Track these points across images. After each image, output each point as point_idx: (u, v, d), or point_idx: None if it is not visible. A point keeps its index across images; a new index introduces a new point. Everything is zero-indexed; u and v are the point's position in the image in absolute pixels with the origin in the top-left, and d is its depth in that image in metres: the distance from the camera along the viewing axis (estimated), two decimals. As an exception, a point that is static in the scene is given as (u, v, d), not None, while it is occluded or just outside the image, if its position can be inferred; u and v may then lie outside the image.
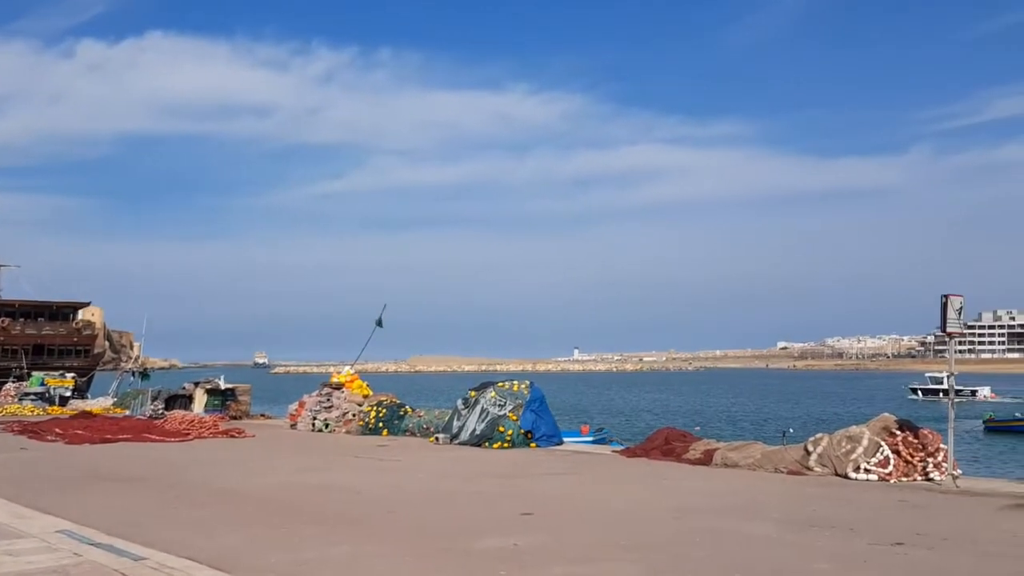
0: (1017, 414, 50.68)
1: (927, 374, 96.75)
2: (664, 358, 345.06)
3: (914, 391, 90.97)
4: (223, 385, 30.95)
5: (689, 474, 14.45)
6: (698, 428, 38.90)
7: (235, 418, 28.54)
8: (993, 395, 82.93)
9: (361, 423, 22.42)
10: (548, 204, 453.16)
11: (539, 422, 18.91)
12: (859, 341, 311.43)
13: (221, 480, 14.13)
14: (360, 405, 23.12)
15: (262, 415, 31.53)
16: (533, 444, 18.46)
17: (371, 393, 23.99)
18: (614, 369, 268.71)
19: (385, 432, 21.64)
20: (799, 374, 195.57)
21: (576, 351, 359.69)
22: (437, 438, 19.68)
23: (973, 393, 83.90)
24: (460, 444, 18.99)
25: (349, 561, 8.26)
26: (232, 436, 22.36)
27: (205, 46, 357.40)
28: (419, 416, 21.89)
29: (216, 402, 29.92)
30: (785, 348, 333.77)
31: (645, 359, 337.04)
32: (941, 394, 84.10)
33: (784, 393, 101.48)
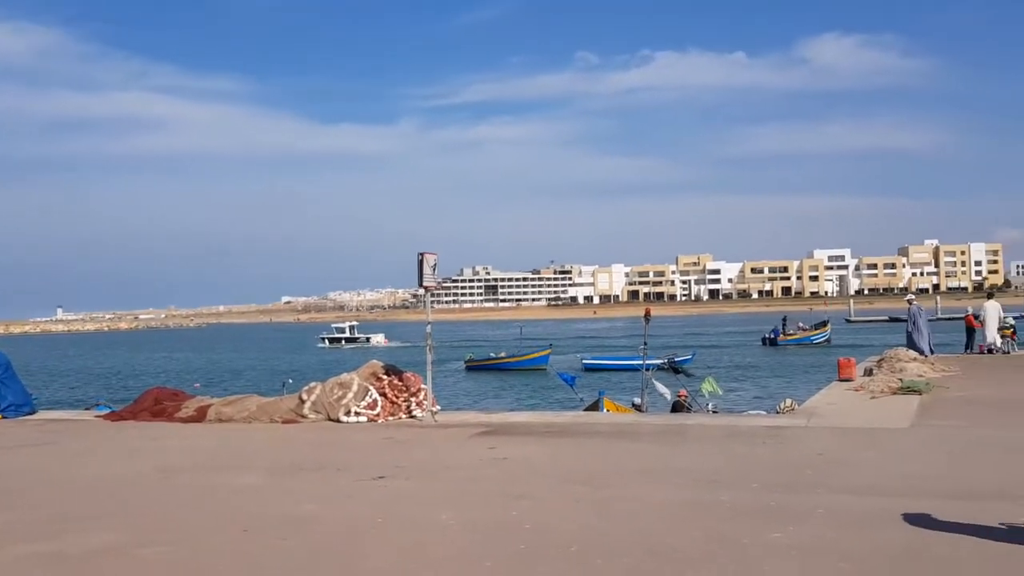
0: (491, 354, 57.75)
1: (333, 325, 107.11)
2: (163, 315, 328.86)
3: (323, 340, 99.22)
4: None
5: (180, 433, 13.79)
6: (198, 385, 37.73)
7: None
8: (386, 341, 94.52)
9: None
10: (16, 146, 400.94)
11: (5, 391, 16.66)
12: (359, 294, 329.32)
13: None
14: None
15: None
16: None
17: None
18: (106, 328, 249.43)
19: None
20: (303, 327, 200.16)
21: (60, 310, 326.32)
22: None
23: (368, 340, 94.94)
24: None
25: None
26: None
27: None
28: None
29: None
30: (289, 302, 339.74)
31: (141, 317, 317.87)
32: (343, 342, 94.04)
33: (286, 345, 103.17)
